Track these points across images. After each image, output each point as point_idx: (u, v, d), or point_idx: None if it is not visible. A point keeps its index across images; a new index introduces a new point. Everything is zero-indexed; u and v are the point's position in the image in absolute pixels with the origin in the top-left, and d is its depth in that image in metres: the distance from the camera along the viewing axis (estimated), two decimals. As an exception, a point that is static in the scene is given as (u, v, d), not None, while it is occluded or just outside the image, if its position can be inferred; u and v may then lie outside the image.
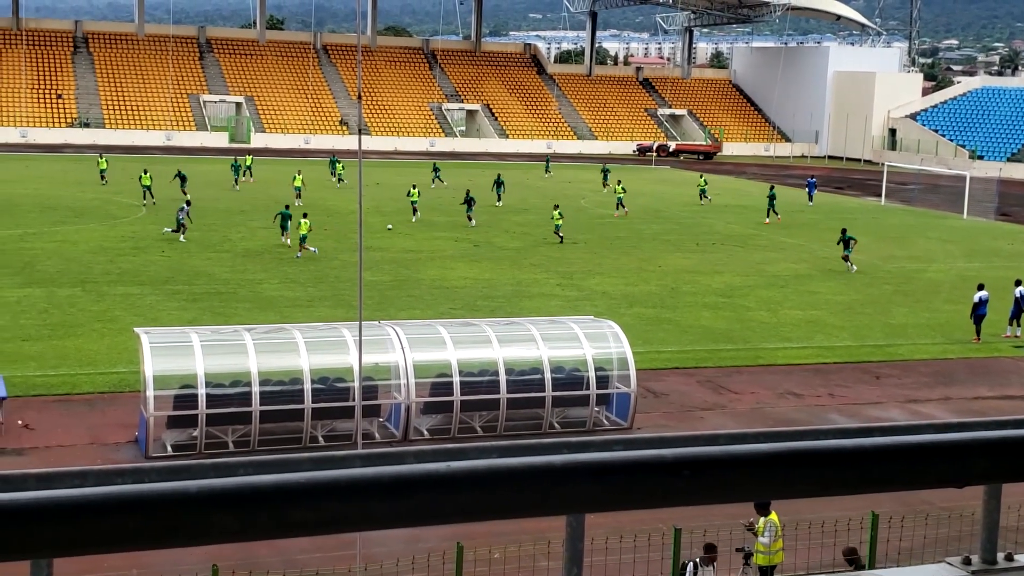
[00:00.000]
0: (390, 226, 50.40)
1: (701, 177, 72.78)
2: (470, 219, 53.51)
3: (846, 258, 44.63)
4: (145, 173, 56.63)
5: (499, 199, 62.02)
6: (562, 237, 48.89)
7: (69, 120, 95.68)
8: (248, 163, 69.87)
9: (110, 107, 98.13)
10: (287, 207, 47.05)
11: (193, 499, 1.67)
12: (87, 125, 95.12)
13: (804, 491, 2.53)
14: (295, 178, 60.50)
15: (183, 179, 58.83)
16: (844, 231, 45.21)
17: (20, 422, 22.67)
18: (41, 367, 26.77)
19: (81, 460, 20.77)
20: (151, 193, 55.99)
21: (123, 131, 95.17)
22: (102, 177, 64.03)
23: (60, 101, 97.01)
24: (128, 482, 2.31)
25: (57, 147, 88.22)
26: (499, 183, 62.99)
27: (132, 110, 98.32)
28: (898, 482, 2.49)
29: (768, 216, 59.38)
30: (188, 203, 47.78)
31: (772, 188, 62.91)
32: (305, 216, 43.83)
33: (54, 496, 1.65)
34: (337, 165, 70.80)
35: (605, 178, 74.35)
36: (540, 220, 54.73)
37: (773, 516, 16.09)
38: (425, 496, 1.80)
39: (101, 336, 29.70)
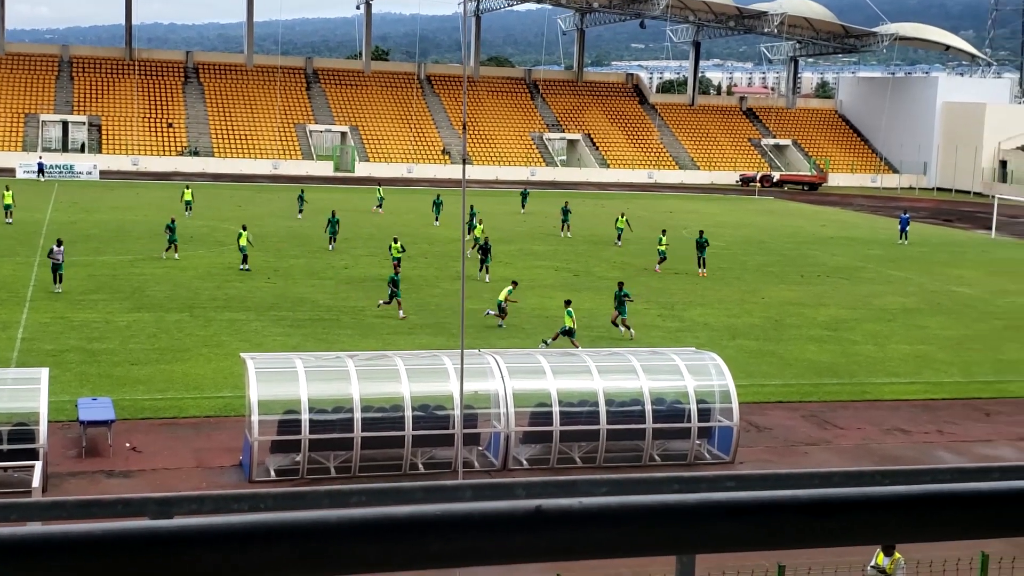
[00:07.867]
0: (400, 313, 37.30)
1: (622, 216, 59.69)
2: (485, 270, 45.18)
3: (623, 322, 35.31)
4: (7, 191, 59.19)
5: (565, 228, 60.29)
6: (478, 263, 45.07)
7: (179, 149, 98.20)
8: (380, 194, 69.26)
9: (219, 136, 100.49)
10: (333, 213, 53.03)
11: (335, 529, 1.66)
12: (196, 153, 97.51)
13: (934, 535, 2.38)
14: (184, 193, 63.79)
15: None
16: (621, 284, 36.25)
17: (128, 444, 23.14)
18: (149, 391, 27.33)
19: (186, 483, 21.12)
20: (10, 214, 57.60)
21: (231, 160, 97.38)
22: (187, 208, 62.11)
23: (171, 130, 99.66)
24: (244, 508, 2.28)
25: (167, 175, 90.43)
26: (566, 211, 60.98)
27: (240, 139, 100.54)
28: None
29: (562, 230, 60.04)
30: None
31: (566, 203, 62.04)
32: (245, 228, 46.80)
33: (224, 522, 1.66)
34: (440, 206, 64.74)
35: (524, 201, 72.00)
36: (641, 250, 54.44)
37: (898, 555, 15.71)
38: (557, 532, 1.74)
39: (208, 361, 30.24)
